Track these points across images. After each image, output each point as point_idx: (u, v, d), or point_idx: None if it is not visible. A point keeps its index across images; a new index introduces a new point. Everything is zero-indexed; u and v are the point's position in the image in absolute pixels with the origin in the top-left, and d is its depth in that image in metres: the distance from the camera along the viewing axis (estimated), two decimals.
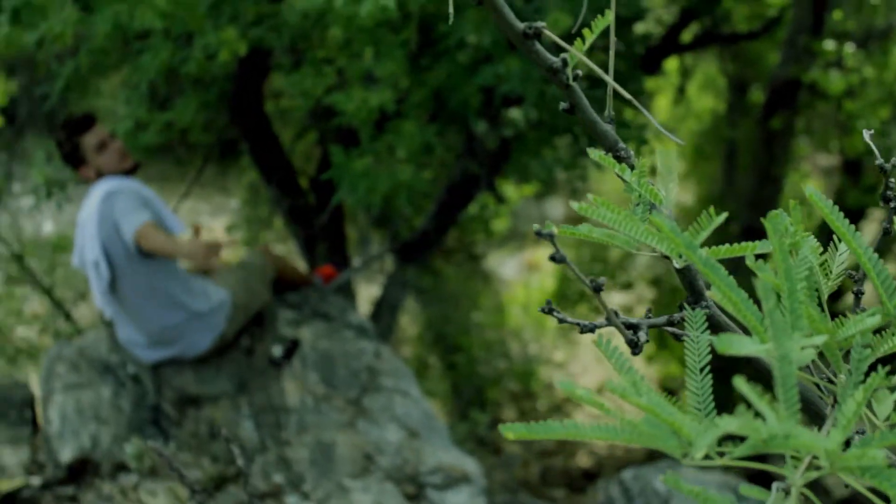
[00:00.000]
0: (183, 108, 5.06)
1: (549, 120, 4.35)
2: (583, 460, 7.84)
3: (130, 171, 4.12)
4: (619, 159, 0.95)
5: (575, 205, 0.82)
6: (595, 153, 0.95)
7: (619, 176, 0.93)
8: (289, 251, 7.40)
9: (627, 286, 9.17)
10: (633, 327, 0.93)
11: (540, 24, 0.84)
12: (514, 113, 5.17)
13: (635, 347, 0.91)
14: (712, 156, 9.90)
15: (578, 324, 0.95)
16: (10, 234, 6.71)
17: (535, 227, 0.81)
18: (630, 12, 4.36)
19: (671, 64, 8.65)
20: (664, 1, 6.84)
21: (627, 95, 0.90)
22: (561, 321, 0.95)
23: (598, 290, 0.86)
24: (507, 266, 10.91)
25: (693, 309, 0.85)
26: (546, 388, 8.95)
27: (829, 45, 7.11)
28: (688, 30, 6.51)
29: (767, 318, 0.66)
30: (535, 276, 10.75)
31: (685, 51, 7.31)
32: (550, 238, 0.84)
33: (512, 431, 0.68)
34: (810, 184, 0.91)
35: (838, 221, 0.85)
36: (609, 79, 0.90)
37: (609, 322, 0.89)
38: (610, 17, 0.90)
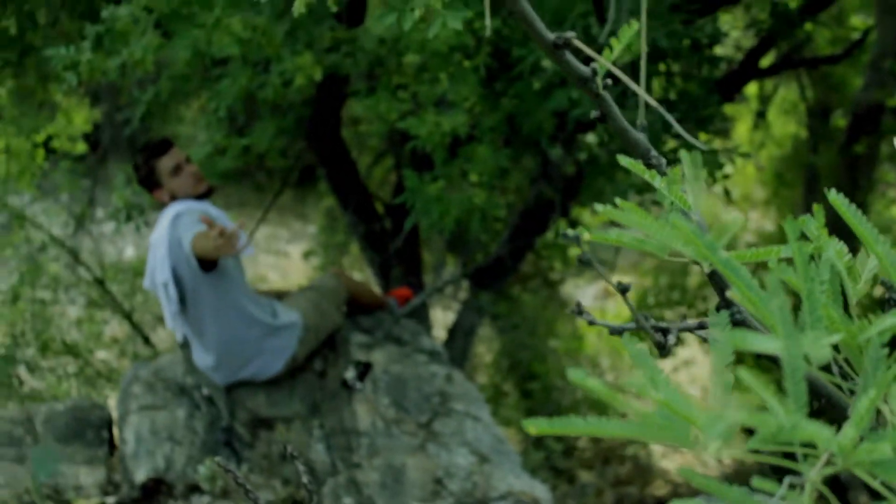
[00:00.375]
0: (260, 133, 5.12)
1: (622, 143, 4.32)
2: (658, 489, 7.73)
3: (204, 195, 4.17)
4: (650, 167, 0.95)
5: (600, 208, 0.82)
6: (626, 160, 0.94)
7: (649, 182, 0.93)
8: (364, 277, 7.45)
9: (705, 314, 9.06)
10: (663, 331, 0.93)
11: (570, 33, 0.83)
12: (589, 137, 5.15)
13: (663, 349, 0.91)
14: (793, 182, 9.75)
15: (608, 326, 0.94)
16: (92, 259, 6.85)
17: (563, 230, 0.81)
18: (706, 36, 4.31)
19: (751, 89, 8.55)
20: (743, 25, 6.77)
21: (653, 103, 0.89)
22: (590, 323, 0.94)
23: (624, 291, 0.85)
24: (584, 293, 10.84)
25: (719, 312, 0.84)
26: (622, 416, 8.84)
27: None
28: (768, 54, 6.43)
29: (775, 314, 0.67)
30: (612, 303, 10.65)
31: (765, 76, 7.22)
32: (577, 240, 0.83)
33: (534, 426, 0.71)
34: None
35: (862, 226, 0.86)
36: (640, 90, 0.89)
37: (638, 325, 0.88)
38: (635, 26, 0.89)
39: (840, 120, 8.80)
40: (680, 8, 4.14)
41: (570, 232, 0.84)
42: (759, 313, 0.72)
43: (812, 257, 0.83)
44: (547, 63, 4.23)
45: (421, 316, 5.61)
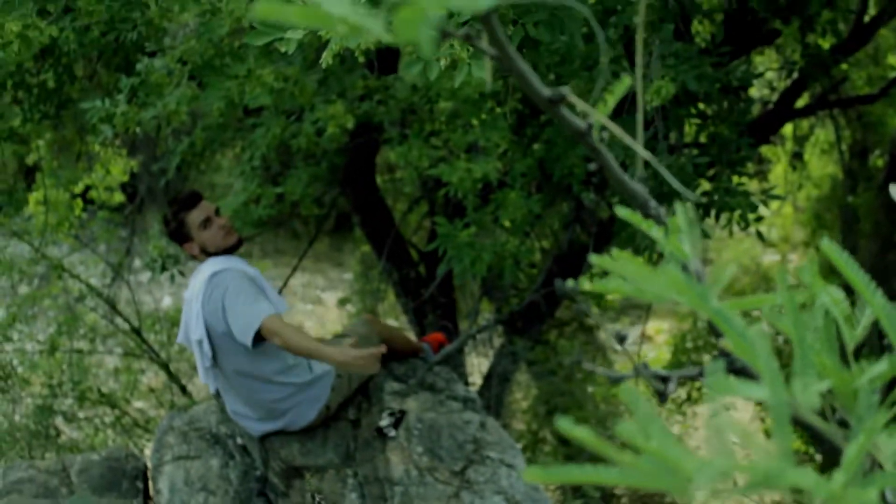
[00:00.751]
0: (294, 181, 5.15)
1: (655, 188, 4.30)
2: None
3: (234, 248, 4.17)
4: (648, 217, 0.94)
5: (595, 259, 0.82)
6: (624, 211, 0.94)
7: (646, 233, 0.92)
8: (399, 323, 7.45)
9: None
10: (664, 379, 0.93)
11: (564, 89, 0.83)
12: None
13: (663, 397, 0.90)
14: (832, 223, 9.67)
15: (608, 374, 0.94)
16: (129, 309, 6.89)
17: (558, 282, 0.81)
18: (737, 79, 4.30)
19: (787, 129, 8.51)
20: (777, 65, 6.75)
21: (648, 156, 0.88)
22: (590, 372, 0.94)
23: (621, 341, 0.84)
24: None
25: (717, 359, 0.84)
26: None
27: None
28: (804, 95, 6.39)
29: (761, 362, 0.70)
30: (650, 348, 10.58)
31: (800, 116, 7.18)
32: (573, 293, 0.82)
33: (531, 475, 0.72)
34: None
35: (856, 275, 0.86)
36: (636, 144, 0.88)
37: (638, 373, 0.88)
38: (627, 81, 0.89)
39: (878, 159, 8.73)
40: (710, 51, 4.13)
41: (570, 283, 0.83)
42: (750, 361, 0.73)
43: (805, 304, 0.84)
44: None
45: (456, 362, 5.59)
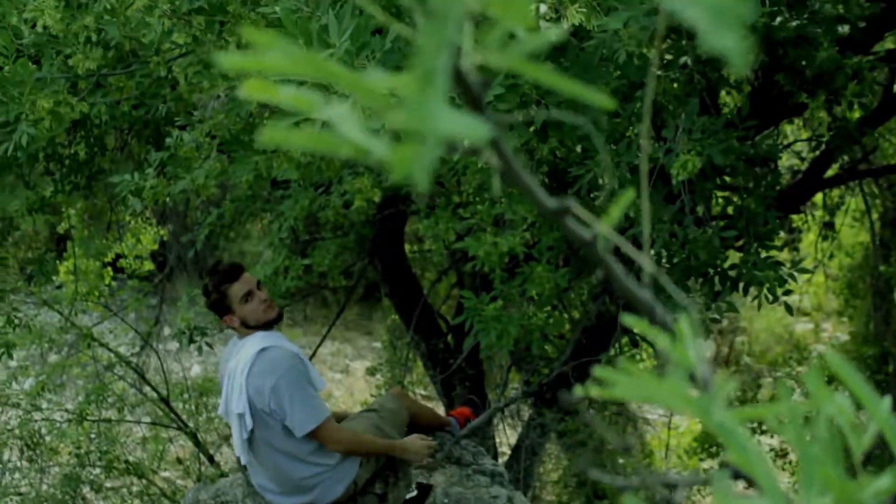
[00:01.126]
0: (322, 252, 5.17)
1: (682, 262, 4.28)
2: None
3: (274, 322, 4.17)
4: (654, 324, 0.93)
5: (600, 371, 0.80)
6: (630, 319, 0.93)
7: (649, 342, 0.91)
8: (427, 394, 7.41)
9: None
10: (671, 486, 0.91)
11: (569, 200, 0.82)
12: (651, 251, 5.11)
13: None
14: (864, 292, 9.59)
15: (616, 485, 0.92)
16: (157, 377, 6.89)
17: (562, 394, 0.79)
18: (763, 152, 4.29)
19: (817, 197, 8.47)
20: (807, 136, 6.74)
21: (649, 267, 0.87)
22: (595, 479, 0.92)
23: (627, 451, 0.83)
24: (653, 408, 10.68)
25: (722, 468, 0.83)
26: None
27: None
28: (833, 165, 6.37)
29: (761, 478, 0.70)
30: (682, 419, 10.47)
31: (830, 186, 7.15)
32: (575, 404, 0.81)
33: None
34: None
35: (860, 387, 0.85)
36: (645, 259, 0.87)
37: (644, 484, 0.87)
38: (631, 194, 0.88)
39: None
40: (736, 125, 4.12)
41: (577, 391, 0.81)
42: (752, 475, 0.73)
43: (808, 415, 0.84)
44: (606, 180, 4.23)
45: (484, 435, 5.54)
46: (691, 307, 0.89)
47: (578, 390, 0.83)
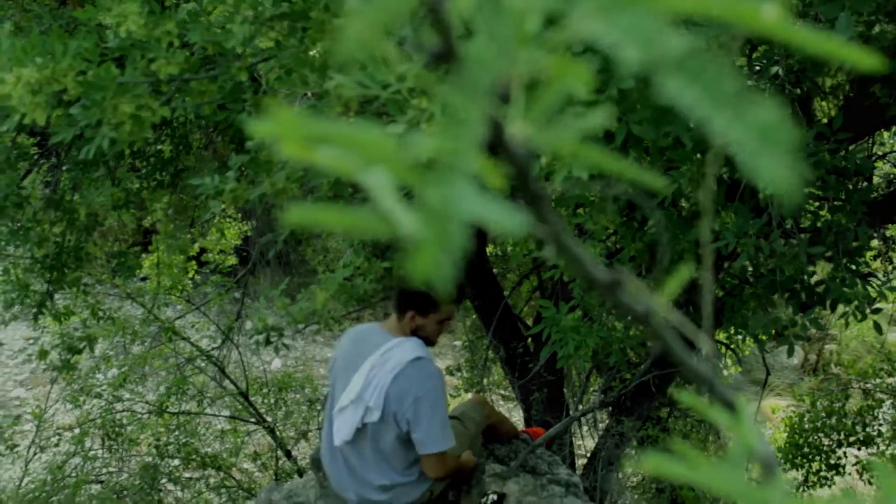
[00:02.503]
0: (402, 255, 5.13)
1: (767, 275, 4.16)
2: None
3: (430, 345, 4.17)
4: (715, 399, 0.87)
5: (650, 458, 0.74)
6: (685, 395, 0.86)
7: (709, 419, 0.84)
8: (506, 396, 7.35)
9: (867, 442, 8.59)
10: None
11: (622, 271, 0.76)
12: (737, 263, 4.99)
13: None
14: None
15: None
16: (237, 371, 6.94)
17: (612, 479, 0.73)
18: (855, 165, 4.15)
19: None
20: None
21: (709, 342, 0.80)
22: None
23: None
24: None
25: None
26: None
27: None
28: None
29: None
30: (767, 427, 10.27)
31: None
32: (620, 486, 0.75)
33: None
34: None
35: None
36: (701, 335, 0.81)
37: None
38: (689, 270, 0.82)
39: None
40: (827, 137, 4.00)
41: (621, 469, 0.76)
42: None
43: None
44: (689, 191, 4.13)
45: (560, 444, 5.47)
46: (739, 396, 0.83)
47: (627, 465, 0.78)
